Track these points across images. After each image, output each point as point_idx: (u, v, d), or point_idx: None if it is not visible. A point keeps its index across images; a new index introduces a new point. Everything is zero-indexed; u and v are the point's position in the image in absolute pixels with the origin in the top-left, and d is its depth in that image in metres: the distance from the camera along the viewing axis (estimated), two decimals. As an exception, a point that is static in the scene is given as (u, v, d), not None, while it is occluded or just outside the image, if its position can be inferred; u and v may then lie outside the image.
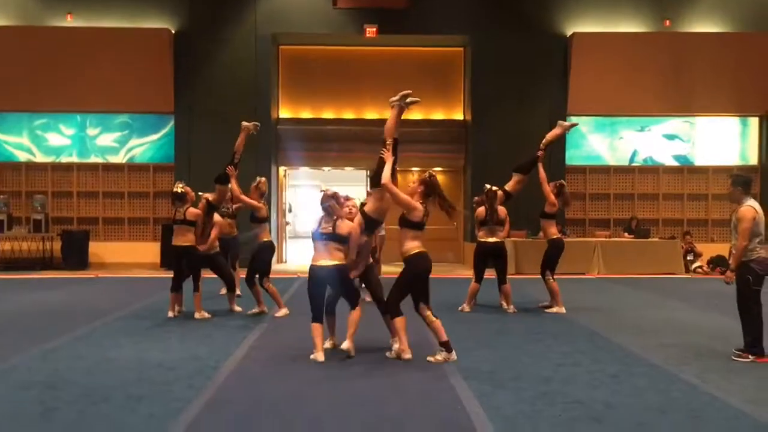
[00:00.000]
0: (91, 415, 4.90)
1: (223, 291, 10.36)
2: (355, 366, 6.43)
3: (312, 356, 6.58)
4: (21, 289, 12.14)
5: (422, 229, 6.67)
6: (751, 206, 6.63)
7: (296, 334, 7.97)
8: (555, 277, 9.91)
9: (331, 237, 6.64)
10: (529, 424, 4.74)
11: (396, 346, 6.81)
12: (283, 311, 9.24)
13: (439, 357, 6.60)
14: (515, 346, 7.40)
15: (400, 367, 6.42)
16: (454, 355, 6.63)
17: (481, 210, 9.79)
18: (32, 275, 14.33)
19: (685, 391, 5.59)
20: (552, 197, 9.92)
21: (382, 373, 6.21)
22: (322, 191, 6.85)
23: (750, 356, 6.61)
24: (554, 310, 9.73)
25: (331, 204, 6.70)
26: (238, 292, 10.19)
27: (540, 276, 9.97)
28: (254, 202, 9.36)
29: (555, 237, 9.99)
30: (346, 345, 6.73)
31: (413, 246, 6.60)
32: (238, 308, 9.54)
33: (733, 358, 6.68)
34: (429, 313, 6.64)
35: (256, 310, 9.32)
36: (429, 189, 6.68)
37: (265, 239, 9.36)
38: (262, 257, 9.31)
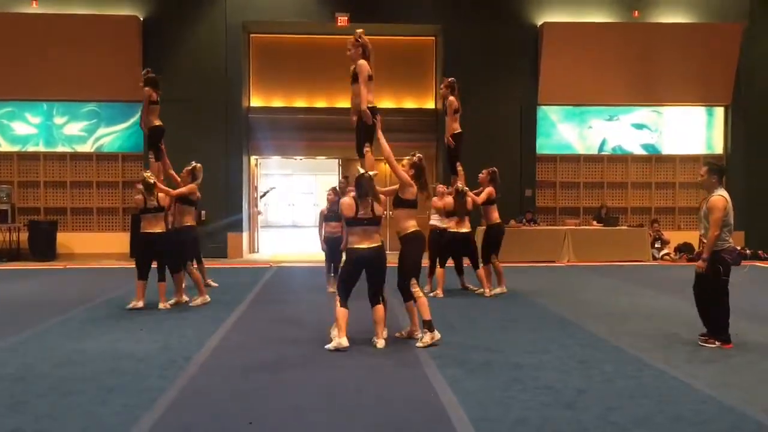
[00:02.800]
0: (62, 407, 4.85)
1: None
2: (329, 354, 6.44)
3: (334, 343, 6.56)
4: (-13, 280, 11.94)
5: (416, 207, 6.97)
6: (722, 196, 6.69)
7: (269, 323, 7.98)
8: (525, 264, 10.21)
9: (371, 222, 6.71)
10: (502, 409, 4.80)
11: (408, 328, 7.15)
12: (201, 299, 9.23)
13: (427, 339, 6.75)
14: (486, 332, 7.48)
15: (374, 354, 6.46)
16: (437, 333, 6.82)
17: (450, 201, 9.93)
18: (-2, 266, 14.10)
19: (653, 376, 5.70)
20: (481, 199, 10.21)
21: (356, 361, 6.23)
22: (353, 175, 6.87)
23: (716, 342, 6.74)
24: (498, 290, 10.17)
25: (370, 186, 6.66)
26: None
27: (486, 262, 10.28)
28: (177, 178, 9.50)
29: (497, 222, 10.34)
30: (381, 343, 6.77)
31: (410, 225, 6.89)
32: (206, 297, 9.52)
33: (700, 343, 6.80)
34: (417, 289, 6.92)
35: (173, 300, 9.14)
36: (419, 171, 6.95)
37: (189, 224, 9.33)
38: (189, 243, 9.39)
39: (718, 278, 6.69)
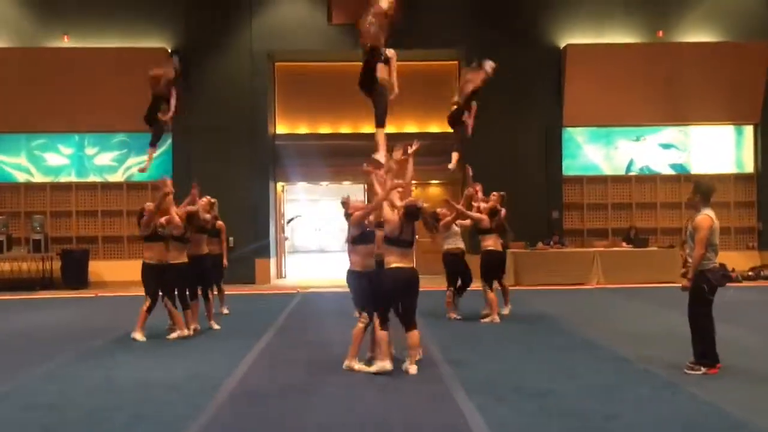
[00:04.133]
0: (93, 436, 4.91)
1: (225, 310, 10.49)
2: (357, 381, 6.44)
3: (377, 367, 6.64)
4: (21, 309, 12.15)
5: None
6: (708, 215, 6.56)
7: (297, 349, 8.00)
8: (553, 287, 10.11)
9: (410, 244, 6.84)
10: (531, 436, 4.75)
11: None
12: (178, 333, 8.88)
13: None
14: (515, 358, 7.42)
15: (402, 381, 6.43)
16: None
17: (487, 220, 9.94)
18: (32, 295, 14.33)
19: (684, 401, 5.61)
20: (471, 220, 10.06)
21: (383, 387, 6.21)
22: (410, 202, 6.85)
23: (702, 368, 6.50)
24: (488, 319, 9.87)
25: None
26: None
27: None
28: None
29: (489, 249, 10.14)
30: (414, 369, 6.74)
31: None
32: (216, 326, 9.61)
33: (686, 371, 6.55)
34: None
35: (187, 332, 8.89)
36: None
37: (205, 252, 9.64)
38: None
39: (701, 298, 6.51)
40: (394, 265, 6.72)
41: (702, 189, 6.79)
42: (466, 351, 7.76)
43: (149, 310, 8.81)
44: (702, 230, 6.49)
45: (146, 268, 8.88)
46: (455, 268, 10.13)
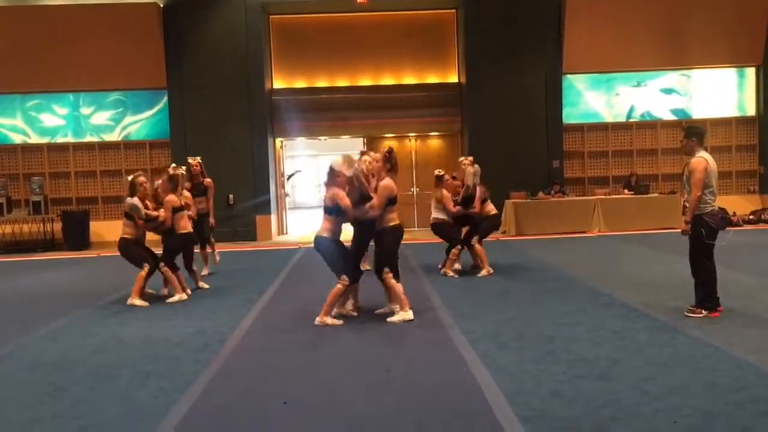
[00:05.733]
0: (99, 393, 4.94)
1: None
2: (358, 332, 6.48)
3: (398, 317, 6.80)
4: (24, 271, 12.19)
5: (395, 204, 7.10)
6: (703, 157, 6.50)
7: (299, 304, 8.03)
8: (555, 236, 10.06)
9: None
10: (535, 382, 4.78)
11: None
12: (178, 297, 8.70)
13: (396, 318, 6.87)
14: (517, 306, 7.44)
15: (403, 331, 6.47)
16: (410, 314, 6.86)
17: (478, 207, 9.79)
18: (34, 257, 14.37)
19: (688, 344, 5.63)
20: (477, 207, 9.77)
21: (385, 337, 6.25)
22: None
23: (702, 311, 6.52)
24: (483, 273, 9.72)
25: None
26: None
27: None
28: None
29: (492, 213, 10.05)
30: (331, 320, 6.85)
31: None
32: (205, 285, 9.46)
33: (687, 314, 6.56)
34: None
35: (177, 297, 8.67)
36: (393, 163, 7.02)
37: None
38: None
39: (701, 242, 6.49)
40: (396, 222, 6.94)
41: (695, 132, 6.74)
42: (467, 301, 7.79)
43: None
44: (697, 172, 6.44)
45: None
46: (447, 232, 10.00)
